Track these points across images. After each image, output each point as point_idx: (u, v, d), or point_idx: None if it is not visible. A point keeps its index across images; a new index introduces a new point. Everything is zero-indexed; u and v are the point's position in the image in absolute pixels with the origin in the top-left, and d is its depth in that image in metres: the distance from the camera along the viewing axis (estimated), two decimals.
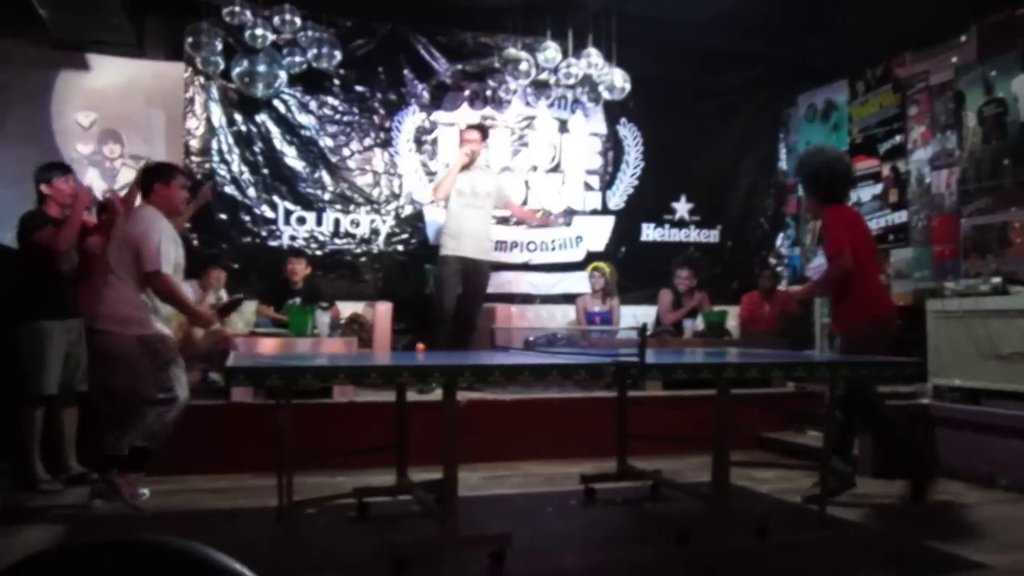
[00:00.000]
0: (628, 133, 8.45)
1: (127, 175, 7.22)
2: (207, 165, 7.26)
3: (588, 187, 8.35)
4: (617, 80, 7.58)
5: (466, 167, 6.73)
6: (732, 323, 7.81)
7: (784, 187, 8.90)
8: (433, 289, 6.72)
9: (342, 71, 7.49)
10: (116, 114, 7.36)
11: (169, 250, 4.25)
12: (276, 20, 6.79)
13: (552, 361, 3.43)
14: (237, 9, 6.58)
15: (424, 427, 4.30)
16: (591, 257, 8.10)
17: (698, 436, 4.75)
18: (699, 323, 7.45)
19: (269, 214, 7.40)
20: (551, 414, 6.02)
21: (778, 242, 8.85)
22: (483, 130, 7.04)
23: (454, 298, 6.53)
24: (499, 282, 7.59)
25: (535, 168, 8.17)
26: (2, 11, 6.52)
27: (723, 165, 8.74)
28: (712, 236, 8.69)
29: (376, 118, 7.72)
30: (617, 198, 8.42)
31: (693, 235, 8.62)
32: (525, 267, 8.03)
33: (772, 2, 7.07)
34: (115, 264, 4.22)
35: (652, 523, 4.34)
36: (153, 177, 4.48)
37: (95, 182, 7.13)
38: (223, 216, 7.24)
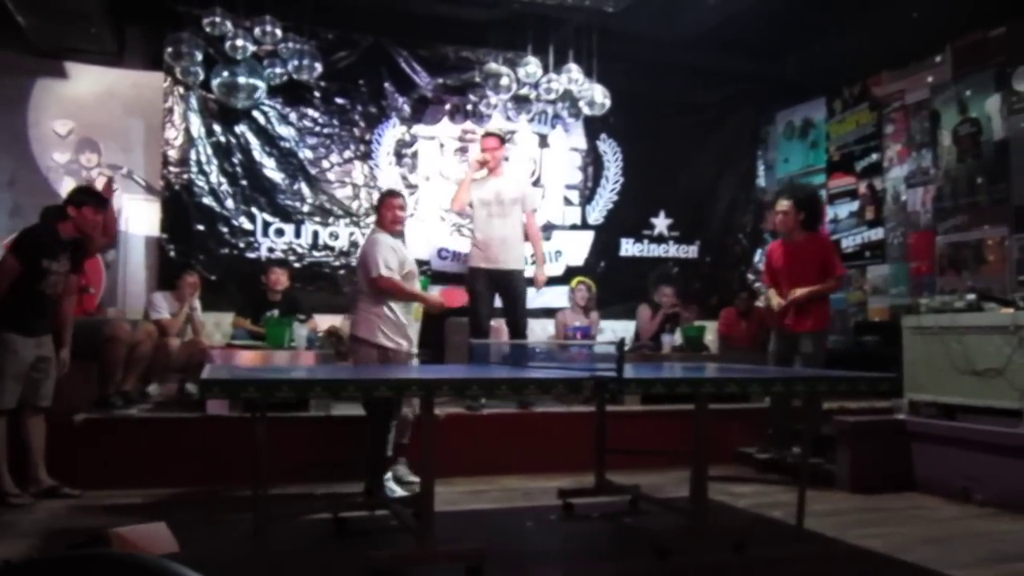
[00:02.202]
0: (608, 148, 8.49)
1: (101, 184, 7.15)
2: (185, 176, 7.21)
3: (568, 202, 8.38)
4: (597, 96, 7.62)
5: (488, 173, 6.55)
6: (710, 338, 7.83)
7: (762, 203, 8.96)
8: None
9: (323, 83, 7.47)
10: (94, 123, 7.30)
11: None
12: (257, 31, 6.77)
13: (530, 375, 3.42)
14: (218, 20, 6.56)
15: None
16: (571, 272, 8.11)
17: (676, 451, 4.76)
18: (678, 338, 7.47)
19: (247, 226, 7.35)
20: (530, 428, 6.00)
21: (756, 257, 8.90)
22: (501, 137, 6.84)
23: (489, 311, 6.38)
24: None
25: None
26: None
27: (702, 181, 8.80)
28: (691, 251, 8.74)
29: (356, 131, 7.71)
30: (597, 213, 8.45)
31: (672, 250, 8.66)
32: None
33: (752, 20, 7.14)
34: None
35: (630, 538, 4.33)
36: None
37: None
38: (200, 227, 7.19)
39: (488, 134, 6.82)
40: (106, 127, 7.35)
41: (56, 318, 4.84)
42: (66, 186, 6.99)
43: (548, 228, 8.20)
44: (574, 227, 8.36)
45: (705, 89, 8.67)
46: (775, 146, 9.04)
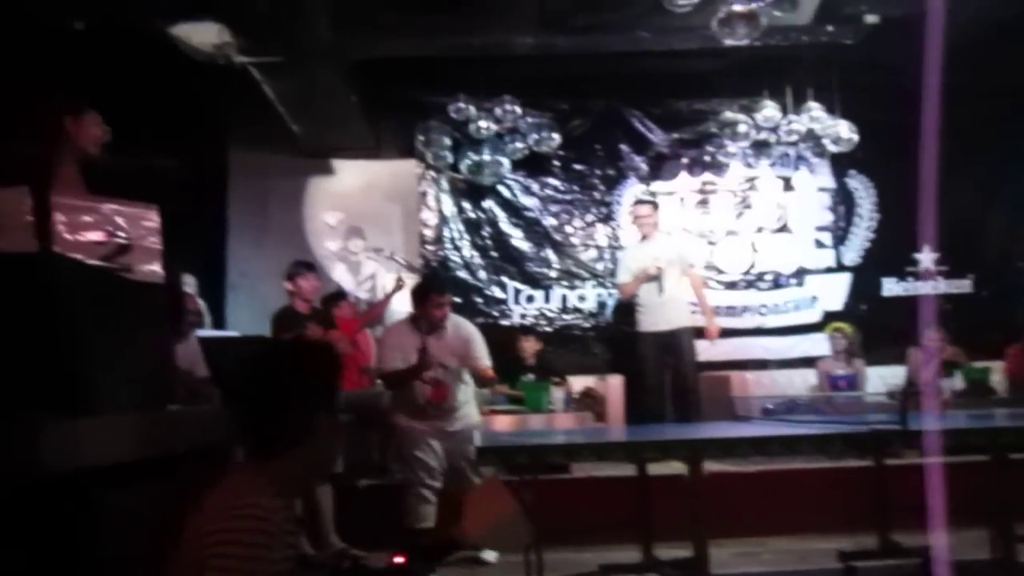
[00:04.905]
0: (859, 184, 8.04)
1: (369, 267, 7.79)
2: (440, 253, 7.70)
3: (819, 244, 7.99)
4: (843, 131, 7.28)
5: (643, 239, 6.76)
6: (996, 379, 7.08)
7: None
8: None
9: (561, 152, 7.73)
10: (358, 212, 7.98)
11: None
12: (497, 111, 7.16)
13: (803, 431, 3.26)
14: (462, 105, 7.05)
15: (665, 501, 4.19)
16: (829, 317, 7.68)
17: (972, 507, 4.31)
18: (957, 381, 6.81)
19: (499, 294, 7.69)
20: (798, 485, 5.68)
21: None
22: (653, 203, 6.96)
23: (659, 372, 6.46)
24: (730, 348, 7.36)
25: (760, 230, 7.95)
26: (262, 129, 7.31)
27: (971, 208, 8.07)
28: (964, 286, 7.99)
29: (596, 194, 7.88)
30: (852, 253, 7.99)
31: (942, 286, 7.97)
32: (758, 332, 7.75)
33: (1001, 32, 6.55)
34: None
35: None
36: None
37: (342, 276, 7.74)
38: (457, 299, 7.58)
39: (639, 202, 7.00)
40: (369, 214, 8.00)
41: None
42: (338, 272, 7.69)
43: (800, 273, 7.87)
44: (829, 270, 7.94)
45: (964, 109, 7.99)
46: None
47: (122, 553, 1.99)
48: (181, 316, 4.06)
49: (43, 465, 1.69)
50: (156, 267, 2.51)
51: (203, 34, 5.47)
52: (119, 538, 1.98)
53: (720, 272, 7.82)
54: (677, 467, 4.74)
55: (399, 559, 2.02)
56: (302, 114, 6.88)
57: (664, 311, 6.48)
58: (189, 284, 5.76)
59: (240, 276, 7.67)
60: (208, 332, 6.35)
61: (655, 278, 6.47)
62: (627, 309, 7.62)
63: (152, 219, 2.56)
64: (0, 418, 1.74)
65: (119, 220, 2.51)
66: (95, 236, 2.46)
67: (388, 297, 6.64)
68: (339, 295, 6.44)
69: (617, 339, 7.62)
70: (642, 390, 6.51)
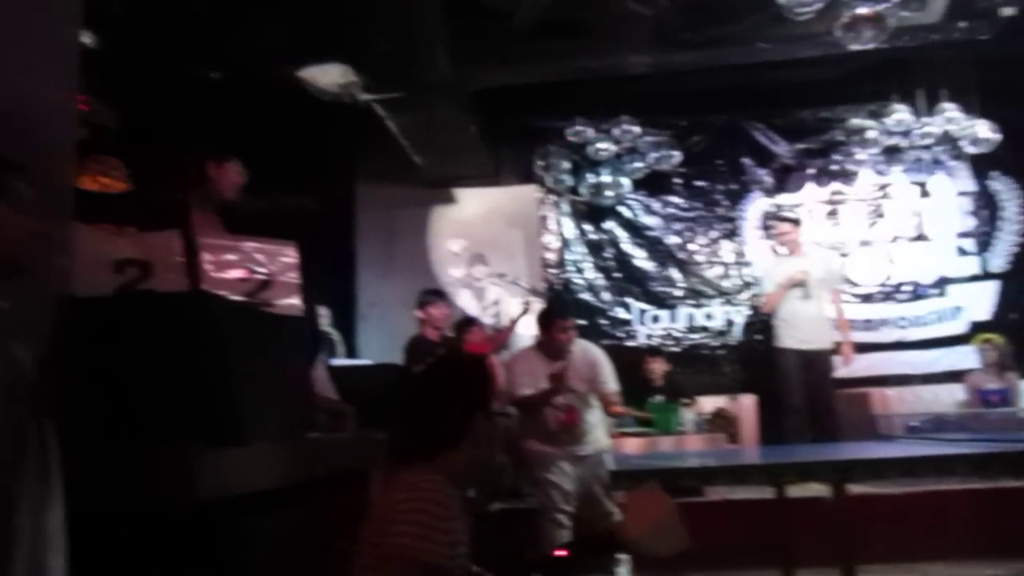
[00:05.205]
0: (1002, 186, 7.60)
1: (493, 293, 7.89)
2: (563, 276, 7.72)
3: (962, 251, 7.57)
4: (981, 132, 6.89)
5: (790, 253, 6.72)
6: None
7: None
8: None
9: (682, 169, 7.63)
10: (481, 239, 8.09)
11: None
12: (615, 131, 7.15)
13: (956, 451, 3.08)
14: (579, 128, 7.07)
15: (805, 524, 4.03)
16: (976, 328, 7.25)
17: None
18: None
19: (624, 315, 7.63)
20: (949, 507, 5.36)
21: None
22: (794, 219, 6.86)
23: (801, 388, 6.30)
24: (868, 364, 7.04)
25: (896, 239, 7.60)
26: (386, 162, 7.54)
27: None
28: None
29: (720, 209, 7.74)
30: (998, 260, 7.53)
31: None
32: (898, 346, 7.40)
33: None
34: None
35: None
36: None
37: (467, 302, 7.86)
38: (581, 322, 7.56)
39: (780, 219, 6.93)
40: (491, 241, 8.10)
41: None
42: (463, 298, 7.81)
43: (942, 283, 7.47)
44: (973, 278, 7.51)
45: None
46: None
47: (268, 571, 2.07)
48: (318, 347, 4.21)
49: (196, 493, 1.77)
50: (295, 300, 2.61)
51: (329, 76, 5.69)
52: (267, 562, 2.06)
53: (854, 285, 7.51)
54: (815, 489, 4.57)
55: (561, 552, 2.12)
56: (424, 146, 7.06)
57: (809, 328, 6.35)
58: (323, 315, 5.97)
59: (369, 306, 7.90)
60: (341, 361, 6.57)
61: (801, 284, 6.36)
62: (761, 326, 7.44)
63: (290, 255, 2.67)
64: (157, 448, 1.84)
65: (259, 257, 2.63)
66: (238, 273, 2.58)
67: (514, 323, 6.69)
68: (470, 321, 6.54)
69: (749, 357, 7.43)
70: (781, 408, 6.34)
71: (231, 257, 2.57)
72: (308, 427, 2.55)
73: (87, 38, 3.43)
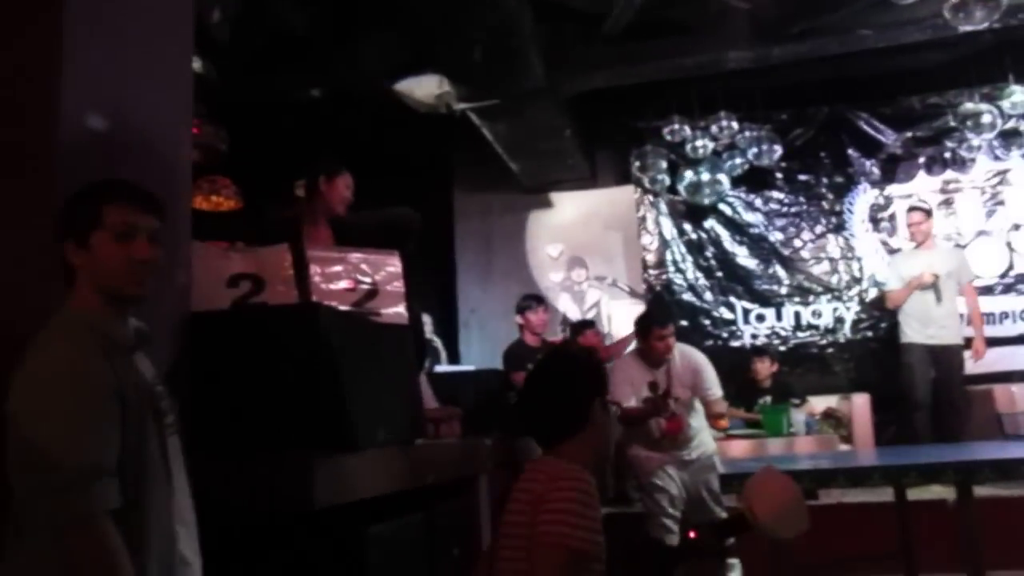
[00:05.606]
0: None
1: (593, 296, 7.86)
2: (663, 276, 7.62)
3: None
4: None
5: (917, 246, 6.50)
6: None
7: None
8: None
9: (784, 164, 7.43)
10: (579, 242, 8.08)
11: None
12: (713, 128, 7.01)
13: None
14: (676, 127, 6.97)
15: (928, 528, 3.87)
16: None
17: None
18: None
19: (728, 315, 7.48)
20: None
21: None
22: (926, 210, 6.63)
23: (927, 384, 6.10)
24: (991, 359, 6.66)
25: (1017, 227, 7.21)
26: (483, 169, 7.62)
27: None
28: None
29: (825, 203, 7.49)
30: None
31: None
32: (1021, 340, 7.01)
33: None
34: None
35: None
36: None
37: (567, 306, 7.86)
38: (684, 322, 7.46)
39: (912, 208, 6.70)
40: (589, 244, 8.08)
41: None
42: (563, 302, 7.81)
43: None
44: None
45: None
46: None
47: None
48: (424, 354, 4.28)
49: (315, 498, 1.83)
50: (401, 309, 2.67)
51: (425, 87, 5.79)
52: (384, 564, 2.11)
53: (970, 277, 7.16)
54: (937, 491, 4.37)
55: (692, 534, 2.29)
56: (520, 152, 7.10)
57: (938, 323, 6.16)
58: (426, 323, 6.08)
59: (470, 313, 8.00)
60: (445, 367, 6.67)
61: (931, 286, 6.15)
62: (872, 322, 7.18)
63: (394, 264, 2.73)
64: (277, 456, 1.91)
65: (365, 267, 2.70)
66: (345, 284, 2.65)
67: (632, 335, 6.57)
68: (586, 324, 6.51)
69: (860, 355, 7.18)
70: (905, 406, 6.17)
71: (338, 268, 2.65)
72: (417, 433, 2.60)
73: (197, 64, 3.58)
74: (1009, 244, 7.18)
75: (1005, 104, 6.73)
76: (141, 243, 1.57)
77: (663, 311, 6.20)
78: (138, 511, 1.49)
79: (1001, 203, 7.26)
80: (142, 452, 1.52)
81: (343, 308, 2.50)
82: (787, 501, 1.98)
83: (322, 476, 1.85)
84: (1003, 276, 7.15)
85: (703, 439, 4.64)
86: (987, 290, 6.96)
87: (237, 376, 2.03)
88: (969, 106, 6.92)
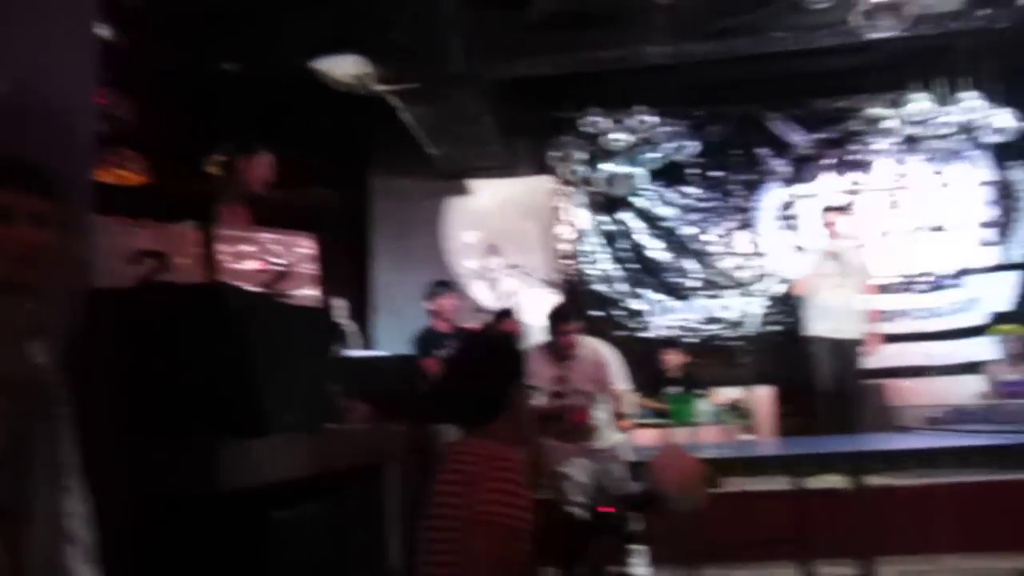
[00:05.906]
0: (1023, 176, 7.50)
1: (507, 284, 7.87)
2: (577, 267, 7.69)
3: (982, 242, 7.50)
4: (1002, 120, 6.82)
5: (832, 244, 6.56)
6: None
7: None
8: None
9: (698, 159, 7.59)
10: (495, 230, 8.07)
11: None
12: (631, 122, 7.12)
13: (977, 442, 3.06)
14: (595, 119, 7.05)
15: (823, 516, 4.02)
16: (997, 319, 7.18)
17: None
18: None
19: (639, 306, 7.60)
20: (969, 500, 5.32)
21: None
22: (842, 209, 6.79)
23: (830, 376, 6.28)
24: (885, 355, 6.97)
25: (914, 229, 7.54)
26: (401, 153, 7.53)
27: None
28: None
29: (736, 200, 7.70)
30: (1019, 249, 7.45)
31: None
32: (914, 337, 7.33)
33: None
34: None
35: None
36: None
37: (482, 293, 7.85)
38: (597, 313, 7.56)
39: (829, 208, 6.79)
40: (505, 232, 8.08)
41: None
42: (477, 290, 7.80)
43: (962, 273, 7.40)
44: (994, 269, 7.42)
45: None
46: None
47: (291, 563, 2.08)
48: (334, 337, 4.21)
49: (220, 482, 1.79)
50: (313, 291, 2.62)
51: (344, 67, 5.69)
52: (288, 550, 2.07)
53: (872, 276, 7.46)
54: (833, 480, 4.54)
55: (606, 509, 2.32)
56: (439, 137, 7.05)
57: (840, 318, 6.33)
58: (340, 307, 5.98)
59: (385, 298, 7.91)
60: (358, 353, 6.58)
61: (836, 282, 6.32)
62: (778, 317, 7.40)
63: (307, 246, 2.68)
64: (180, 439, 1.85)
65: (276, 248, 2.64)
66: (254, 264, 2.59)
67: None
68: (506, 312, 6.48)
69: (765, 348, 7.40)
70: (810, 397, 6.34)
71: (247, 248, 2.59)
72: (326, 418, 2.56)
73: (104, 31, 3.43)
74: (907, 245, 7.50)
75: (907, 111, 7.00)
76: (20, 227, 1.45)
77: (570, 307, 6.25)
78: (19, 511, 1.41)
79: (900, 206, 7.57)
80: (24, 448, 1.43)
81: (252, 289, 2.44)
82: (689, 478, 2.09)
83: (226, 459, 1.81)
84: (901, 276, 7.47)
85: (610, 432, 4.71)
86: (884, 289, 7.25)
87: (140, 357, 1.96)
88: (873, 111, 7.20)
